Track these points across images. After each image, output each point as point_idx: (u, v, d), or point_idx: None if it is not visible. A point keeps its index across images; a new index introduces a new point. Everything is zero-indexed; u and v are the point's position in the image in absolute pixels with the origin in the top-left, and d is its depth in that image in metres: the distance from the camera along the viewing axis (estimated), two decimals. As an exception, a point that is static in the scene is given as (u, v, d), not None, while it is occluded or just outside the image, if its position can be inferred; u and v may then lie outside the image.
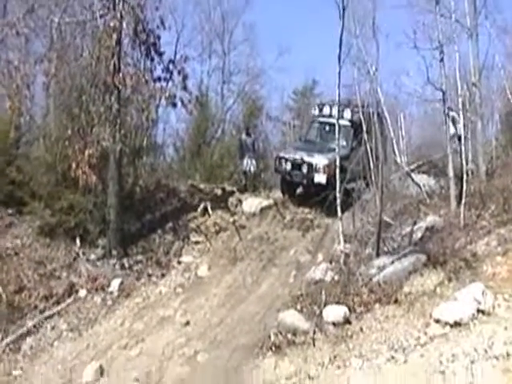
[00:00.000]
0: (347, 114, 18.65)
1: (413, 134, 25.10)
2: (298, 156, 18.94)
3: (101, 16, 15.26)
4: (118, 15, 14.98)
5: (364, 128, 16.85)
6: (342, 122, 16.82)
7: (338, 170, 15.05)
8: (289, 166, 18.97)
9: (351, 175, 16.00)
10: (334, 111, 18.92)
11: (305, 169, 18.62)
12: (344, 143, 17.45)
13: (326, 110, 19.80)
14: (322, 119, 20.09)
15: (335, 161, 16.68)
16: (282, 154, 19.70)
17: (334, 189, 15.11)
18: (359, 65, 18.02)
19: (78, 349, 12.50)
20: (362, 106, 17.52)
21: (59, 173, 16.82)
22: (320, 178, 18.23)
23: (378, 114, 17.93)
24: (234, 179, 22.17)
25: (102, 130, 15.44)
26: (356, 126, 18.71)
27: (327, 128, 19.81)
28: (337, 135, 15.92)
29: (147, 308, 14.05)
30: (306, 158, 18.68)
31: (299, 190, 19.85)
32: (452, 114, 19.93)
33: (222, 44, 35.36)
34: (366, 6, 17.67)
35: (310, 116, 21.62)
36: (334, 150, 17.56)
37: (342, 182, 14.87)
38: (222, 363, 11.19)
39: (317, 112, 20.31)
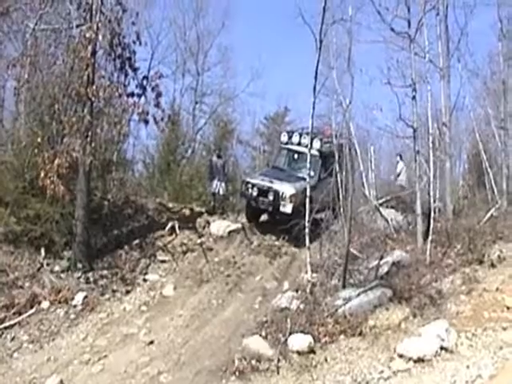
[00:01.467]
0: (316, 143, 18.58)
1: (382, 169, 25.39)
2: (264, 183, 18.84)
3: (77, 26, 15.16)
4: (95, 27, 14.85)
5: (333, 159, 17.00)
6: (311, 151, 16.95)
7: (307, 200, 15.16)
8: (255, 192, 18.82)
9: (320, 205, 16.08)
10: (303, 140, 19.12)
11: (271, 196, 18.51)
12: (312, 173, 17.19)
13: (295, 138, 19.81)
14: (290, 147, 20.08)
15: (302, 190, 16.86)
16: (248, 179, 19.56)
17: (300, 218, 15.29)
18: (333, 96, 18.36)
19: (38, 361, 12.25)
20: (333, 137, 17.77)
21: (27, 180, 16.58)
22: (286, 208, 18.18)
23: (349, 147, 18.15)
24: (202, 200, 22.13)
25: (73, 140, 15.24)
26: (325, 157, 18.86)
27: (295, 156, 19.93)
28: (308, 165, 16.10)
29: (111, 324, 13.88)
30: (273, 186, 18.60)
31: (264, 217, 19.80)
32: (398, 159, 20.70)
33: (195, 64, 35.58)
34: (342, 39, 18.05)
35: (278, 142, 21.54)
36: (302, 179, 17.79)
37: (310, 212, 15.00)
38: (186, 385, 11.14)
39: (286, 139, 20.23)
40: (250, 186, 19.02)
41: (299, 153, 19.61)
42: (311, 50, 15.28)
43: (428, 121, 17.14)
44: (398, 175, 21.37)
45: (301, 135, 19.55)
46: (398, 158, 21.79)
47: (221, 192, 20.55)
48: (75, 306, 14.45)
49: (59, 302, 14.49)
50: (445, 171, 18.46)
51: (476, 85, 22.48)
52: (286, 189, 18.38)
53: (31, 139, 16.54)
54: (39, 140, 15.38)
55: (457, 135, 23.59)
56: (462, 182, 23.43)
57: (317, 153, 18.68)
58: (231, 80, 36.17)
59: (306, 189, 15.95)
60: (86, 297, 14.78)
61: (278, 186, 18.57)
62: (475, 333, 11.58)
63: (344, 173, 16.82)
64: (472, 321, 12.15)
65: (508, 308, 12.58)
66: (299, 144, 19.58)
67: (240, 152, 31.33)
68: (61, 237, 16.33)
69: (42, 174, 14.40)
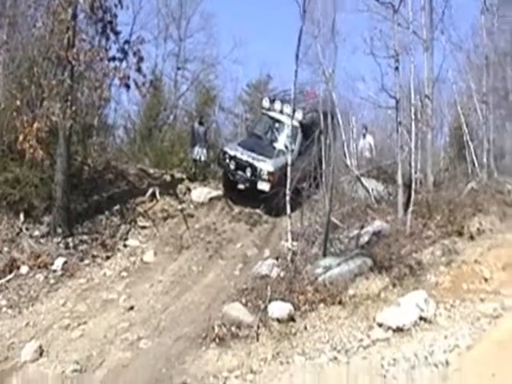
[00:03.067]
0: (298, 114, 18.24)
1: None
2: (242, 156, 18.43)
3: (57, -12, 14.92)
4: (75, -12, 14.65)
5: (315, 127, 16.85)
6: (292, 122, 16.81)
7: (288, 170, 15.06)
8: (232, 165, 18.48)
9: (301, 174, 16.01)
10: (285, 108, 18.81)
11: (249, 172, 18.22)
12: (292, 146, 16.90)
13: (277, 106, 19.36)
14: (271, 114, 19.61)
15: (281, 167, 16.87)
16: (226, 150, 19.09)
17: (275, 195, 15.41)
18: (315, 65, 18.23)
19: (17, 326, 12.14)
20: (317, 99, 17.66)
21: (5, 143, 16.32)
22: (263, 186, 17.93)
23: (331, 116, 18.03)
24: (183, 166, 21.91)
25: (53, 104, 15.09)
26: (306, 128, 18.55)
27: (276, 125, 19.54)
28: (288, 135, 16.13)
29: (90, 290, 13.81)
30: (251, 161, 18.26)
31: (241, 186, 19.08)
32: (364, 130, 20.66)
33: (178, 30, 35.03)
34: (325, 7, 17.88)
35: (259, 107, 21.04)
36: (281, 152, 17.73)
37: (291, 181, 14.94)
38: (165, 351, 11.13)
39: (267, 105, 19.74)
40: (227, 156, 18.69)
41: (280, 122, 19.33)
42: (295, 17, 15.10)
43: (410, 92, 17.16)
44: (372, 150, 21.21)
45: (283, 102, 19.16)
46: (364, 130, 21.37)
47: (202, 158, 20.39)
48: (55, 271, 14.35)
49: (38, 267, 14.37)
50: (426, 143, 18.50)
51: (459, 58, 22.45)
52: (265, 165, 18.12)
53: (10, 102, 16.20)
54: (18, 103, 15.07)
55: (439, 108, 23.60)
56: (444, 154, 23.55)
57: (298, 124, 18.46)
58: (214, 47, 35.79)
59: (285, 164, 15.83)
60: (65, 262, 14.66)
61: (256, 161, 18.26)
62: (453, 304, 11.70)
63: (326, 142, 16.75)
64: (451, 292, 12.31)
65: (486, 280, 12.76)
66: (281, 112, 19.22)
67: (222, 119, 31.14)
68: (40, 201, 16.13)
69: (21, 138, 14.24)
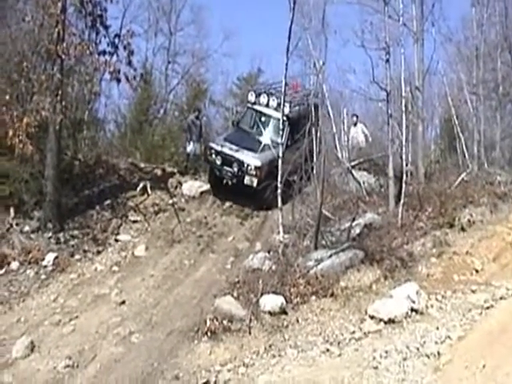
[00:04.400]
0: (285, 108, 17.49)
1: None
2: (229, 151, 18.20)
3: (45, -19, 14.84)
4: (64, -18, 14.58)
5: (304, 120, 16.74)
6: (278, 115, 16.73)
7: (279, 162, 15.02)
8: (219, 161, 18.27)
9: (292, 167, 15.94)
10: (272, 102, 18.75)
11: (235, 167, 18.02)
12: (279, 140, 16.53)
13: (264, 99, 19.13)
14: (257, 107, 19.35)
15: (268, 162, 16.95)
16: (212, 145, 18.79)
17: (265, 189, 15.37)
18: (306, 57, 18.21)
19: (8, 323, 12.08)
20: (301, 91, 17.52)
21: (-6, 139, 16.23)
22: (250, 181, 17.82)
23: (322, 108, 17.95)
24: (174, 160, 21.91)
25: (43, 99, 15.02)
26: (293, 122, 18.42)
27: (262, 119, 19.30)
28: (275, 129, 16.42)
29: (82, 285, 13.78)
30: (238, 155, 18.07)
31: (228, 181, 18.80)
32: (354, 119, 20.53)
33: (168, 23, 34.93)
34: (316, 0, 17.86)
35: (245, 101, 20.83)
36: (267, 147, 17.56)
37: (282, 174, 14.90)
38: (157, 345, 11.11)
39: (253, 99, 19.47)
40: (213, 152, 18.49)
41: (266, 115, 19.15)
42: (285, 9, 15.06)
43: (401, 84, 17.10)
44: (367, 136, 21.07)
45: (269, 96, 19.00)
46: (355, 118, 20.96)
47: (197, 152, 20.33)
48: (45, 267, 14.30)
49: (29, 263, 14.34)
50: (417, 135, 18.53)
51: (449, 50, 22.50)
52: (252, 160, 17.96)
53: (-1, 97, 16.12)
54: (7, 98, 14.99)
55: (429, 100, 23.60)
56: (434, 146, 23.63)
57: (285, 117, 18.24)
58: (204, 40, 35.75)
59: (272, 159, 15.96)
60: (56, 257, 14.62)
61: (243, 155, 18.09)
62: (445, 295, 11.83)
63: (317, 134, 16.69)
64: (442, 283, 12.42)
65: (477, 271, 12.89)
66: (267, 105, 19.05)
67: (213, 112, 31.15)
68: (31, 197, 16.09)
69: (11, 133, 14.18)
